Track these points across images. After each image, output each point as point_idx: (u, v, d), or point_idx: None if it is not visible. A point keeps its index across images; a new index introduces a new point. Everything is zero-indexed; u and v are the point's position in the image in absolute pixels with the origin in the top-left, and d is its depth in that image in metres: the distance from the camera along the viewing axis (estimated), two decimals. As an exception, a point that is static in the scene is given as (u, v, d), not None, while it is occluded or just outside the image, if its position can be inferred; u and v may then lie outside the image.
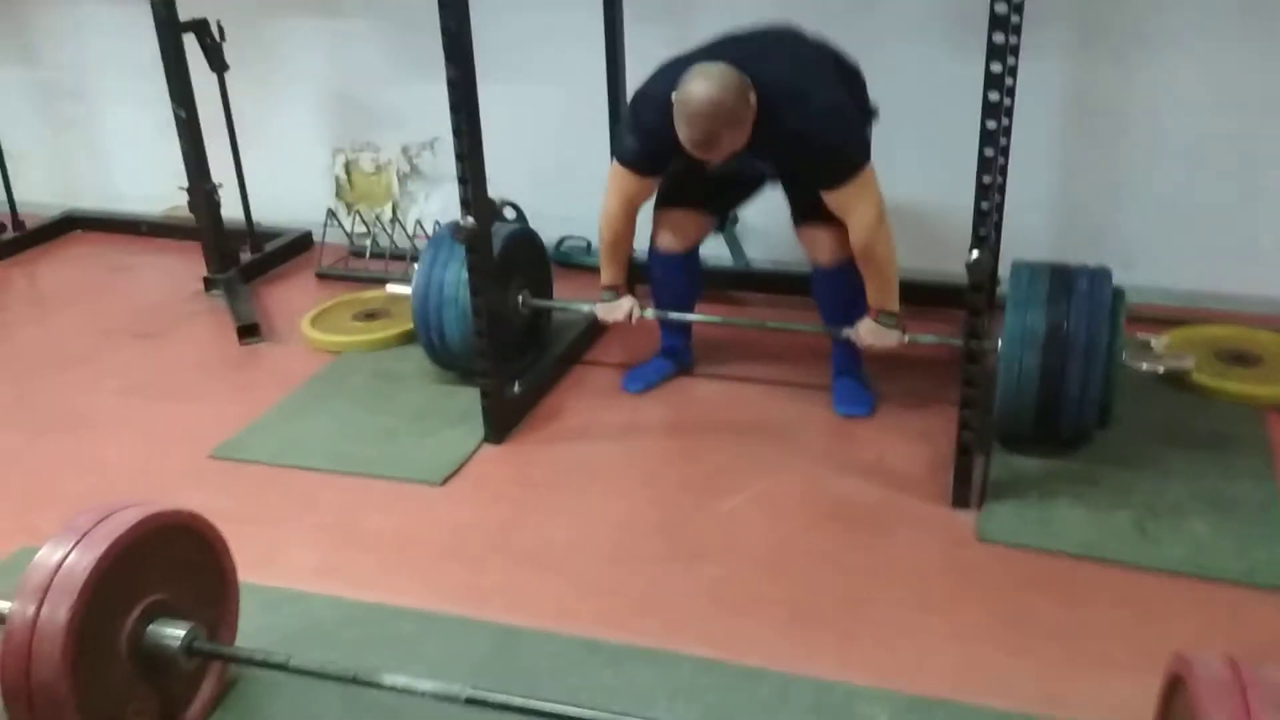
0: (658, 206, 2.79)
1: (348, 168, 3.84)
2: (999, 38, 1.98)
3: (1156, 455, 2.52)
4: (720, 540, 2.34)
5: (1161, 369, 2.62)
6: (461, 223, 2.52)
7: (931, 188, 2.89)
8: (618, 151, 2.72)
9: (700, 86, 2.32)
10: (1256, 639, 1.98)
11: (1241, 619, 2.03)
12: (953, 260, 2.24)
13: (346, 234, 3.89)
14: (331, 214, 3.89)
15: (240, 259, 3.75)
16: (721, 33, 2.54)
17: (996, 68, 2.01)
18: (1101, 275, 2.47)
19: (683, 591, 2.18)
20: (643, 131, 2.55)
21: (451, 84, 2.40)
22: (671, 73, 2.43)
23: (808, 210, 2.63)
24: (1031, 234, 2.95)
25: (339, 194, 3.86)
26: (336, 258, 3.90)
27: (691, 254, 2.85)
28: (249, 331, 3.35)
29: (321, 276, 3.81)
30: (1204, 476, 2.43)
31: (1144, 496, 2.37)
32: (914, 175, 2.91)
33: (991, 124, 2.06)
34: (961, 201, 2.17)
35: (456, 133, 2.45)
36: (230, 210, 3.71)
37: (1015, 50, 2.02)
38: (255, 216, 3.85)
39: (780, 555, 2.29)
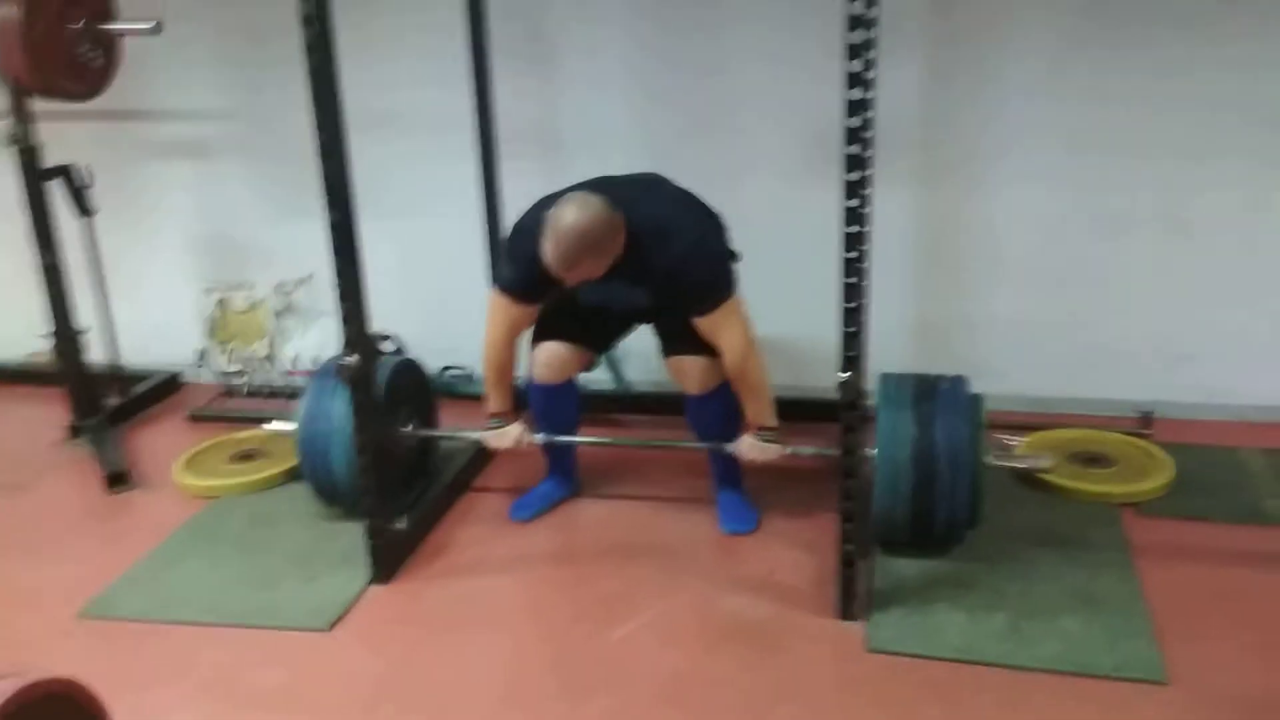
0: (534, 340, 2.85)
1: (220, 306, 3.79)
2: (854, 175, 2.13)
3: (1024, 554, 2.64)
4: (613, 670, 2.33)
5: (1022, 467, 2.85)
6: (344, 361, 2.52)
7: (798, 310, 3.02)
8: (497, 280, 2.79)
9: (572, 212, 2.42)
10: (1131, 730, 2.07)
11: (1116, 712, 2.12)
12: (823, 376, 2.35)
13: (220, 373, 3.82)
14: (203, 354, 3.81)
15: (107, 404, 3.64)
16: (595, 175, 2.65)
17: (853, 202, 2.15)
18: (960, 381, 2.65)
19: (578, 726, 2.16)
20: (520, 260, 2.62)
21: (333, 227, 2.43)
22: (547, 206, 2.52)
23: (675, 342, 2.76)
24: (893, 349, 3.10)
25: (212, 333, 3.80)
26: (209, 398, 3.82)
27: (568, 383, 2.90)
28: (117, 479, 3.23)
29: (194, 418, 3.71)
30: (1070, 574, 2.55)
31: (1016, 597, 2.48)
32: (781, 300, 3.05)
33: (852, 253, 2.19)
34: (827, 322, 2.29)
35: (338, 273, 2.47)
36: (97, 353, 3.61)
37: (868, 182, 2.17)
38: (123, 359, 3.75)
39: (675, 681, 2.29)
